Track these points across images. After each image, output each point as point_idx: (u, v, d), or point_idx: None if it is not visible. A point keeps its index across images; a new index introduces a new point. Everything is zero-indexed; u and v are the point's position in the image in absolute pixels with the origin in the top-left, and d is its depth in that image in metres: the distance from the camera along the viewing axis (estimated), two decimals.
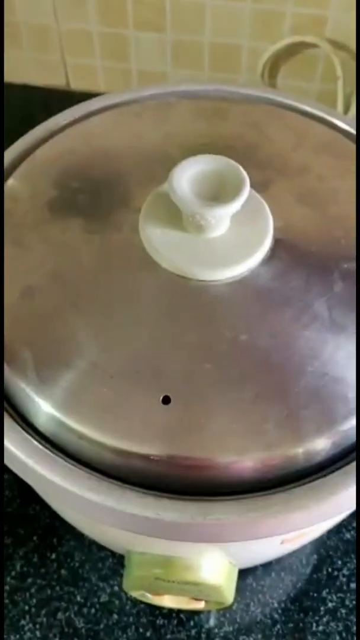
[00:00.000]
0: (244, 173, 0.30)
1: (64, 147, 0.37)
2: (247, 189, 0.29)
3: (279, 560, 0.44)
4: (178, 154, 0.33)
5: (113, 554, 0.45)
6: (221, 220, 0.30)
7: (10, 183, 0.36)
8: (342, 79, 0.65)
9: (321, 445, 0.27)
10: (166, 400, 0.27)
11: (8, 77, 0.77)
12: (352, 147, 0.38)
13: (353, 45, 0.64)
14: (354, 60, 0.65)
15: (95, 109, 0.41)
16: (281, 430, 0.27)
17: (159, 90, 0.42)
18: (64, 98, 0.76)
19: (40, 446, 0.28)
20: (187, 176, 0.30)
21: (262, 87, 0.43)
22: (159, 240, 0.31)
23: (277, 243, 0.32)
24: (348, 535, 0.46)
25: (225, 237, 0.31)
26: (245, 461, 0.27)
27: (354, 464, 0.28)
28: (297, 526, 0.27)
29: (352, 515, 0.46)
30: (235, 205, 0.29)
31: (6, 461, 0.29)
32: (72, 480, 0.27)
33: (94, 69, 0.73)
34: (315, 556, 0.45)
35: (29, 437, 0.28)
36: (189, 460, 0.27)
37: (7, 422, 0.29)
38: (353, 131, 0.39)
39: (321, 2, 0.62)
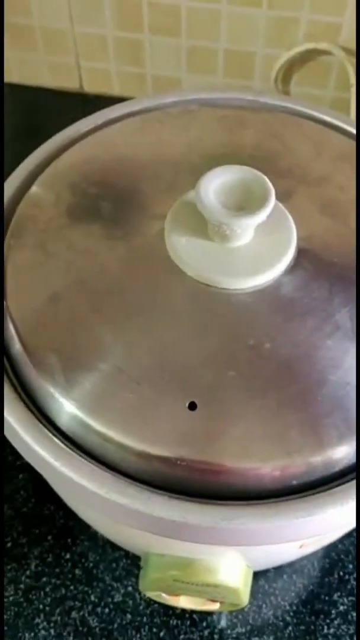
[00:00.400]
0: (270, 184, 0.31)
1: (86, 154, 0.38)
2: (272, 199, 0.30)
3: (291, 564, 0.45)
4: (201, 163, 0.34)
5: (127, 554, 0.45)
6: (246, 230, 0.31)
7: (33, 190, 0.36)
8: (355, 87, 0.65)
9: (342, 452, 0.28)
10: (192, 406, 0.28)
11: (23, 79, 0.77)
12: None
13: None
14: None
15: (116, 116, 0.41)
16: (303, 437, 0.28)
17: (179, 97, 0.42)
18: (77, 101, 0.77)
19: (68, 449, 0.29)
20: (213, 186, 0.31)
21: (280, 96, 0.43)
22: (184, 249, 0.32)
23: (301, 253, 0.32)
24: None
25: (249, 247, 0.32)
26: (268, 468, 0.27)
27: None
28: (318, 531, 0.28)
29: None
30: (262, 216, 0.30)
31: (33, 463, 0.29)
32: (99, 483, 0.28)
33: (108, 73, 0.74)
34: (326, 560, 0.45)
35: (57, 440, 0.29)
36: (213, 466, 0.27)
37: (35, 424, 0.29)
38: None
39: (336, 10, 0.63)
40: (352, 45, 0.65)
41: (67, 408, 0.29)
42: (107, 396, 0.29)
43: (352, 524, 0.29)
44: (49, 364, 0.30)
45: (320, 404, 0.28)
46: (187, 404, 0.28)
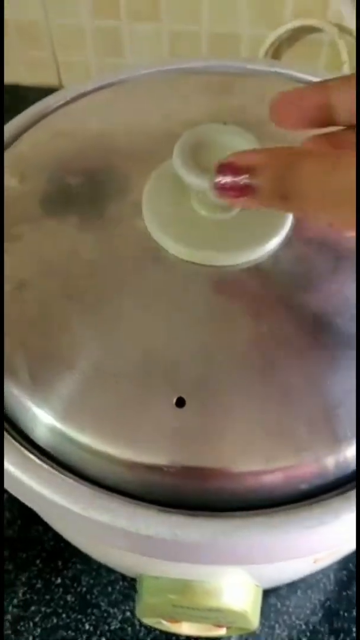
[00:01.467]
0: (257, 141, 0.27)
1: (53, 129, 0.34)
2: None
3: (304, 578, 0.41)
4: (181, 131, 0.29)
5: (124, 576, 0.41)
6: None
7: None
8: (348, 64, 0.62)
9: None
10: (180, 402, 0.24)
11: None
12: None
13: None
14: None
15: (90, 89, 0.37)
16: (314, 432, 0.23)
17: (159, 68, 0.38)
18: None
19: (37, 460, 0.25)
20: (194, 148, 0.27)
21: (270, 61, 0.40)
22: (165, 224, 0.28)
23: (300, 223, 0.28)
24: None
25: (240, 217, 0.28)
26: (273, 470, 0.23)
27: None
28: (334, 543, 0.24)
29: None
30: None
31: None
32: (74, 498, 0.23)
33: (87, 65, 0.70)
34: (344, 572, 0.41)
35: (23, 450, 0.25)
36: (208, 471, 0.23)
37: None
38: None
39: None
40: (343, 21, 0.61)
41: (35, 413, 0.25)
42: (80, 396, 0.25)
43: None
44: (14, 362, 0.26)
45: (330, 391, 0.24)
46: (174, 401, 0.24)
